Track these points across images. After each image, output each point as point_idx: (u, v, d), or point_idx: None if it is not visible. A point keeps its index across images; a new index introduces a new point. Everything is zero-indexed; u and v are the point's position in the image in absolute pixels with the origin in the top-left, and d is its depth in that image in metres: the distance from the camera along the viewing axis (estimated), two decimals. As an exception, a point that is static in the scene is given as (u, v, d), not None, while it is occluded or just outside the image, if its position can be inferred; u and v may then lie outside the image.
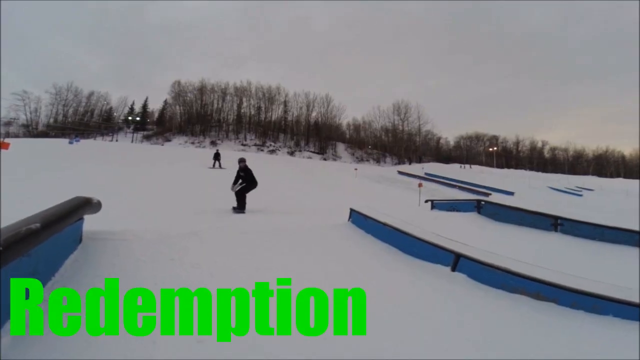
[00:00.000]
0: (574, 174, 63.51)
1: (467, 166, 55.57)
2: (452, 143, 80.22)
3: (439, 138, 77.97)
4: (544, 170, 65.57)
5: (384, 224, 3.87)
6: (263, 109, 72.72)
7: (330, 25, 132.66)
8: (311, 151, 68.88)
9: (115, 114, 70.27)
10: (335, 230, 4.29)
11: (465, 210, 7.00)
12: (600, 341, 2.12)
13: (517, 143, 78.62)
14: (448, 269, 3.08)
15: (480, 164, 65.38)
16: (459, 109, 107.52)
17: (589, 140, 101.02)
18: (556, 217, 5.80)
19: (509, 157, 75.30)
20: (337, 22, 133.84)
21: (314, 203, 9.79)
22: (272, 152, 64.24)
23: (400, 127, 72.88)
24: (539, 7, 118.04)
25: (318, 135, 71.27)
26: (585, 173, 66.86)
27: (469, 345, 1.94)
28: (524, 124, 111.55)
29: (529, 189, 27.54)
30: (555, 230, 5.73)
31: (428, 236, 3.35)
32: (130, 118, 69.50)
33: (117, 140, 55.55)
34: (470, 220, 6.30)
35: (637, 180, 47.35)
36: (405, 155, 69.30)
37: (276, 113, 73.80)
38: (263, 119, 72.23)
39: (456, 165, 53.95)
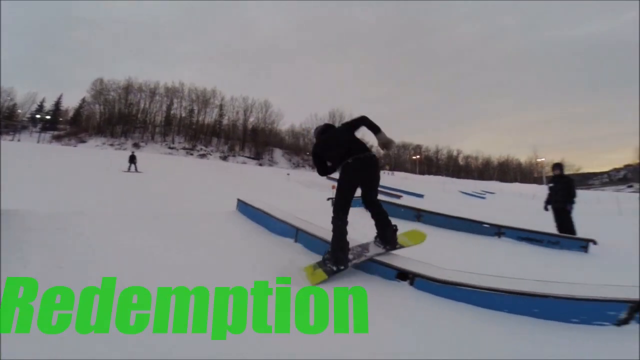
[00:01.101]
0: (482, 179, 73.01)
1: (391, 173, 60.28)
2: (382, 151, 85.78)
3: (371, 146, 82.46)
4: (458, 177, 73.91)
5: (256, 209, 4.56)
6: (196, 111, 69.91)
7: (274, 29, 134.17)
8: (246, 156, 67.87)
9: (19, 111, 61.17)
10: (222, 217, 4.87)
11: (353, 206, 8.08)
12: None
13: (436, 152, 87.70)
14: (292, 240, 3.78)
15: (407, 171, 71.33)
16: (395, 118, 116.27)
17: (495, 149, 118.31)
18: (418, 210, 7.10)
19: (431, 164, 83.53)
20: (283, 27, 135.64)
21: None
22: (202, 156, 61.62)
23: (336, 135, 75.66)
24: (466, 23, 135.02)
25: (255, 140, 70.69)
26: (492, 178, 77.20)
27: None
28: (446, 135, 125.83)
29: (442, 193, 31.09)
30: (418, 221, 6.98)
31: (282, 216, 4.12)
32: (38, 116, 61.12)
33: (19, 140, 48.32)
34: (354, 212, 7.35)
35: (530, 184, 56.30)
36: (339, 162, 72.02)
37: (210, 116, 71.52)
38: (195, 121, 69.42)
39: (385, 172, 58.20)
